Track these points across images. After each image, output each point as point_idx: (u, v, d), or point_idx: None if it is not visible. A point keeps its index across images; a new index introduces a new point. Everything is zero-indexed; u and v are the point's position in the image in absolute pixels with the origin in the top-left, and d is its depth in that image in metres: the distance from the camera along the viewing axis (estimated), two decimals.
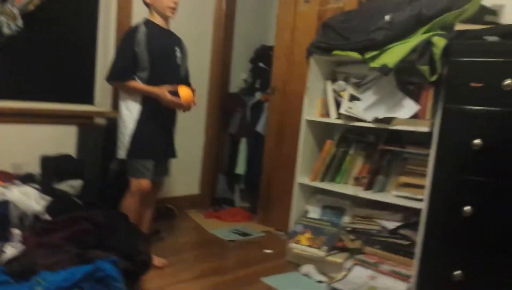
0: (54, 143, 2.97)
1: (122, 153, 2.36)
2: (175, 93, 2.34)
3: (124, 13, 3.18)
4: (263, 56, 3.80)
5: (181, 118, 3.65)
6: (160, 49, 2.36)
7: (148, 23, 2.38)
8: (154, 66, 2.33)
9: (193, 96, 2.43)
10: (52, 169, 2.85)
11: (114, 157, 2.45)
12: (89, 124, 3.04)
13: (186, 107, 2.45)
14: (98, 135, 2.94)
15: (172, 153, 2.57)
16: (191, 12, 3.52)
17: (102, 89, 3.24)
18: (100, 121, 3.01)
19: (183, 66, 2.53)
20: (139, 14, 3.22)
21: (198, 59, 3.62)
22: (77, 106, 3.13)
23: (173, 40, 2.48)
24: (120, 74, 2.32)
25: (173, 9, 2.39)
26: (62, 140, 3.02)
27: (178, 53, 2.46)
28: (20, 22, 2.64)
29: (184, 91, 2.37)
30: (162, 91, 2.31)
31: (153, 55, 2.32)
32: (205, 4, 3.63)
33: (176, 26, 3.36)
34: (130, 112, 2.35)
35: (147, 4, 2.41)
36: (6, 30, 2.60)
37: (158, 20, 2.40)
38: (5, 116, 2.78)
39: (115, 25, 3.18)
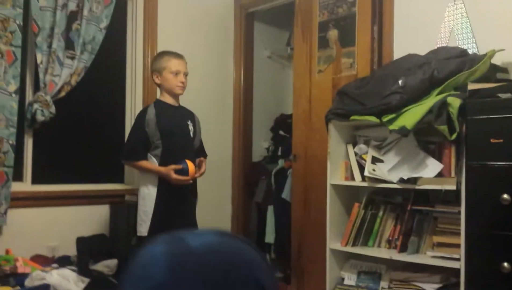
0: (88, 223, 3.07)
1: (143, 230, 2.44)
2: (182, 170, 2.46)
3: (149, 95, 3.38)
4: (282, 124, 3.93)
5: (207, 190, 3.74)
6: (170, 126, 2.51)
7: (157, 103, 2.58)
8: (167, 143, 2.48)
9: (195, 168, 2.55)
10: (88, 250, 2.93)
11: (134, 234, 2.54)
12: (120, 202, 3.14)
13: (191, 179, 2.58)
14: (129, 212, 3.02)
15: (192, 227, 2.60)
16: (211, 87, 3.72)
17: (131, 169, 3.37)
18: (130, 198, 3.11)
19: (197, 138, 2.68)
20: None
21: (221, 132, 3.77)
22: (109, 185, 3.25)
23: (185, 115, 2.64)
24: (130, 154, 2.52)
25: (181, 87, 2.56)
26: (96, 219, 3.11)
27: (190, 127, 2.61)
28: (53, 109, 2.82)
29: (190, 166, 2.52)
30: (168, 172, 2.43)
31: (164, 133, 2.47)
32: (224, 79, 3.84)
33: (197, 102, 3.55)
34: (148, 190, 2.48)
35: (157, 84, 2.62)
36: (40, 117, 2.78)
37: (167, 98, 2.58)
38: (41, 199, 2.91)
39: (141, 107, 3.37)
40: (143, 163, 2.49)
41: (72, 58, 2.92)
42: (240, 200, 3.79)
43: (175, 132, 2.53)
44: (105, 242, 3.06)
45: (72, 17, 2.91)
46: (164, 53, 2.65)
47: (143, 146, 2.47)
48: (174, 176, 2.43)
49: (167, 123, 2.50)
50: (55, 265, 2.61)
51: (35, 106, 2.78)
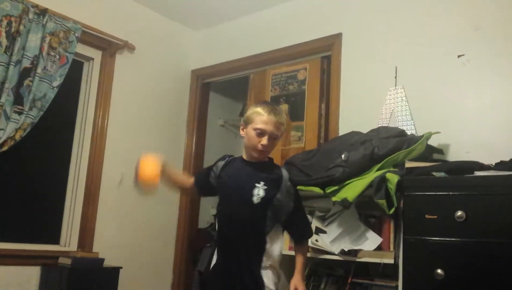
0: (16, 285, 2.84)
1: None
2: None
3: (96, 158, 3.32)
4: None
5: (148, 255, 3.60)
6: (228, 185, 2.08)
7: (235, 158, 2.18)
8: (221, 203, 2.12)
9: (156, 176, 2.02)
10: None
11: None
12: (53, 264, 2.96)
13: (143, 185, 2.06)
14: (62, 276, 2.85)
15: None
16: (161, 149, 3.70)
17: (68, 229, 3.22)
18: (65, 261, 2.94)
19: (269, 206, 2.00)
20: (109, 167, 3.38)
21: (167, 197, 3.71)
22: (42, 246, 3.07)
23: (258, 173, 2.04)
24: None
25: (260, 151, 2.02)
26: (25, 281, 2.90)
27: (258, 191, 1.99)
28: None
29: (144, 165, 1.99)
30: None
31: (222, 192, 2.12)
32: (175, 145, 3.85)
33: None
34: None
35: (241, 136, 2.15)
36: None
37: (244, 154, 2.13)
38: None
39: (86, 167, 3.29)
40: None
41: (20, 113, 2.86)
42: (182, 268, 3.66)
43: (229, 196, 2.07)
44: None
45: (25, 73, 2.90)
46: (260, 104, 2.11)
47: (203, 181, 2.18)
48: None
49: (227, 181, 2.08)
50: None
51: None
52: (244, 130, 2.08)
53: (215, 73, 3.94)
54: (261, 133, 1.99)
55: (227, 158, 2.15)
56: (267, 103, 2.15)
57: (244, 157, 2.11)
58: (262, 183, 2.00)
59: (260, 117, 2.01)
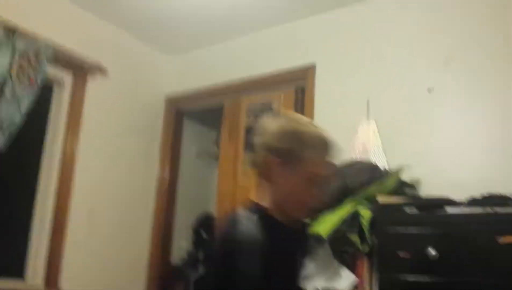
0: None
1: None
2: None
3: (64, 188, 3.20)
4: (205, 225, 3.83)
5: None
6: (282, 268, 1.31)
7: (267, 220, 1.28)
8: None
9: None
10: None
11: None
12: None
13: None
14: None
15: None
16: (133, 178, 3.61)
17: (34, 262, 3.07)
18: None
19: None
20: (79, 198, 3.25)
21: (138, 227, 3.59)
22: (5, 282, 2.91)
23: (301, 247, 1.43)
24: None
25: (310, 210, 1.37)
26: None
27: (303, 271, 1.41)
28: None
29: None
30: None
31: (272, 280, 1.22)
32: (148, 171, 3.75)
33: (116, 194, 3.31)
34: None
35: (265, 178, 1.35)
36: None
37: (278, 213, 1.33)
38: None
39: (54, 198, 3.17)
40: None
41: None
42: None
43: (285, 277, 1.32)
44: None
45: None
46: (316, 134, 1.38)
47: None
48: None
49: (279, 262, 1.28)
50: None
51: None
52: (282, 168, 1.28)
53: (190, 100, 3.88)
54: (321, 181, 1.32)
55: (262, 229, 1.23)
56: (322, 129, 1.37)
57: (276, 216, 1.32)
58: (305, 258, 1.43)
59: (323, 155, 1.32)
